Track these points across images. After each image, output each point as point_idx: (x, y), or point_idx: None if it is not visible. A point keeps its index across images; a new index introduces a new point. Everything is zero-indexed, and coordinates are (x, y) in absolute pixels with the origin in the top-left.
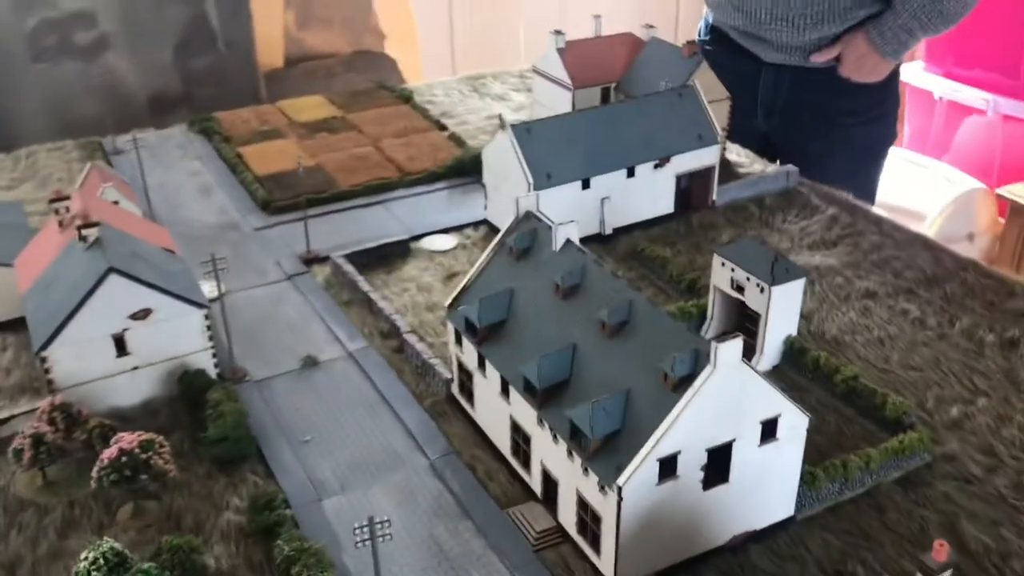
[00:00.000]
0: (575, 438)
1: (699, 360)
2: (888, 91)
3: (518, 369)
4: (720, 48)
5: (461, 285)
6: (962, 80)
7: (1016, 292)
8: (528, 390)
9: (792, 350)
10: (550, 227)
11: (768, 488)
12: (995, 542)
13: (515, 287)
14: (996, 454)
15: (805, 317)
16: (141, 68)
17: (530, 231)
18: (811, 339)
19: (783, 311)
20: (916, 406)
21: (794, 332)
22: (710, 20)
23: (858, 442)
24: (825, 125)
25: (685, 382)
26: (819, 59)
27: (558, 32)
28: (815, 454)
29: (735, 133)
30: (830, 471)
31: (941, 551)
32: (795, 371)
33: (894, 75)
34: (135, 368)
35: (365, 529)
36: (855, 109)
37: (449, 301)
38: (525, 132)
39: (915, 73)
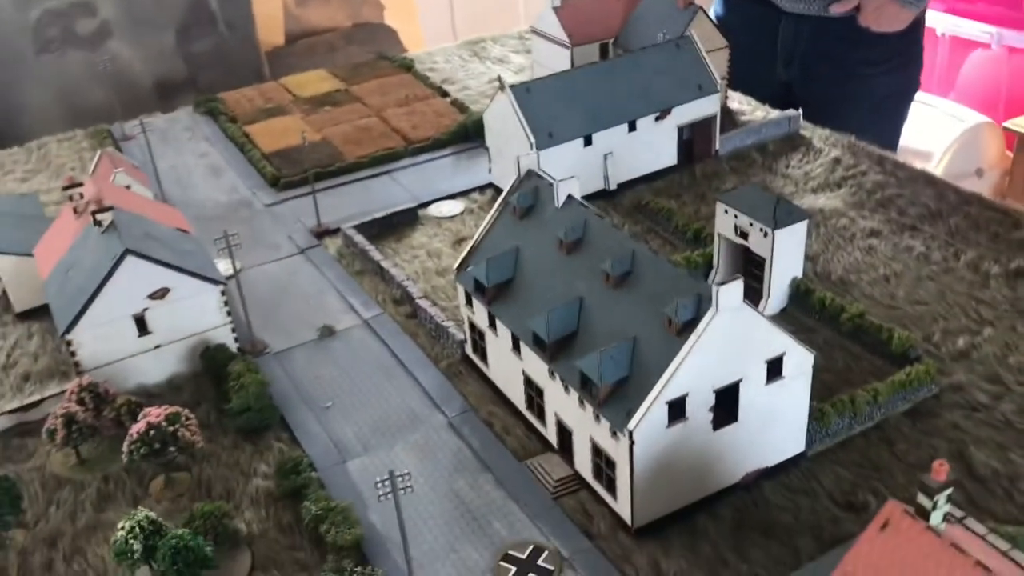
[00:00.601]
0: (585, 387)
1: (701, 304)
2: (910, 41)
3: (527, 324)
4: None
5: (468, 247)
6: (965, 15)
7: (1022, 223)
8: (538, 344)
9: (799, 292)
10: (551, 184)
11: (778, 426)
12: (1003, 466)
13: (520, 245)
14: (1003, 382)
15: (811, 259)
16: (144, 54)
17: (532, 189)
18: (817, 280)
19: (788, 254)
20: (923, 339)
21: (799, 274)
22: None
23: (866, 377)
24: (845, 75)
25: (689, 326)
26: (839, 9)
27: None
28: (824, 391)
29: (754, 83)
30: (838, 406)
31: (940, 471)
32: (802, 312)
33: (917, 24)
34: (157, 346)
35: (387, 483)
36: (875, 59)
37: (457, 263)
38: (525, 92)
39: None
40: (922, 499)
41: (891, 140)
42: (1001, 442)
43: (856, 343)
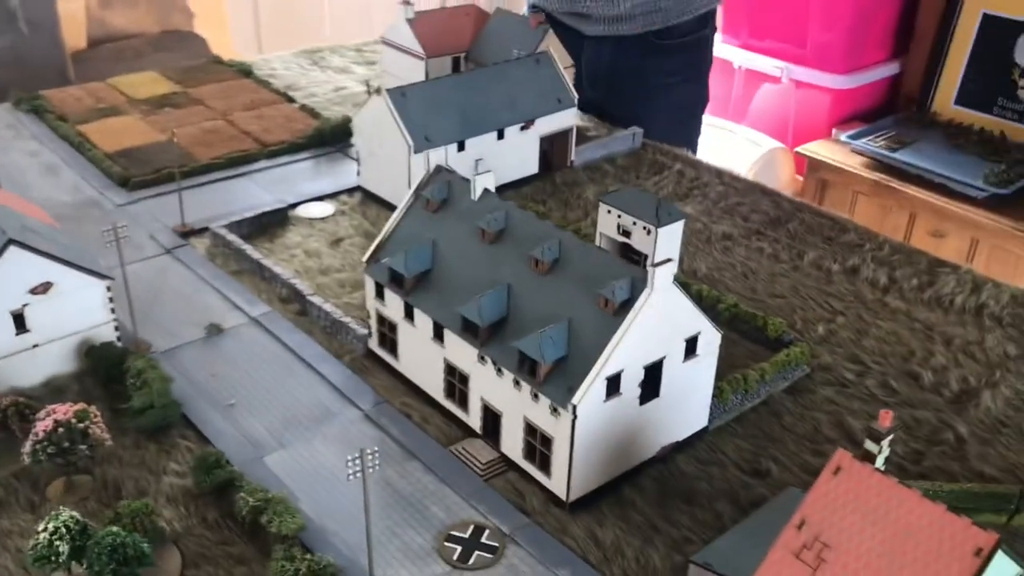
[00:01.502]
0: (523, 368)
1: (635, 285)
2: (699, 54)
3: (455, 311)
4: None
5: (377, 240)
6: (757, 50)
7: (848, 228)
8: (468, 329)
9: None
10: (464, 179)
11: (689, 401)
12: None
13: (436, 237)
14: (862, 361)
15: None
16: None
17: (445, 183)
18: (686, 277)
19: (667, 250)
20: (788, 327)
21: (675, 269)
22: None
23: (745, 361)
24: (645, 88)
25: (625, 306)
26: None
27: (407, 3)
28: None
29: None
30: (733, 384)
31: (886, 417)
32: None
33: (704, 41)
34: (35, 346)
35: (357, 461)
36: (671, 69)
37: (367, 256)
38: (401, 97)
39: (715, 44)
40: (869, 445)
41: (691, 148)
42: (872, 413)
43: (733, 330)
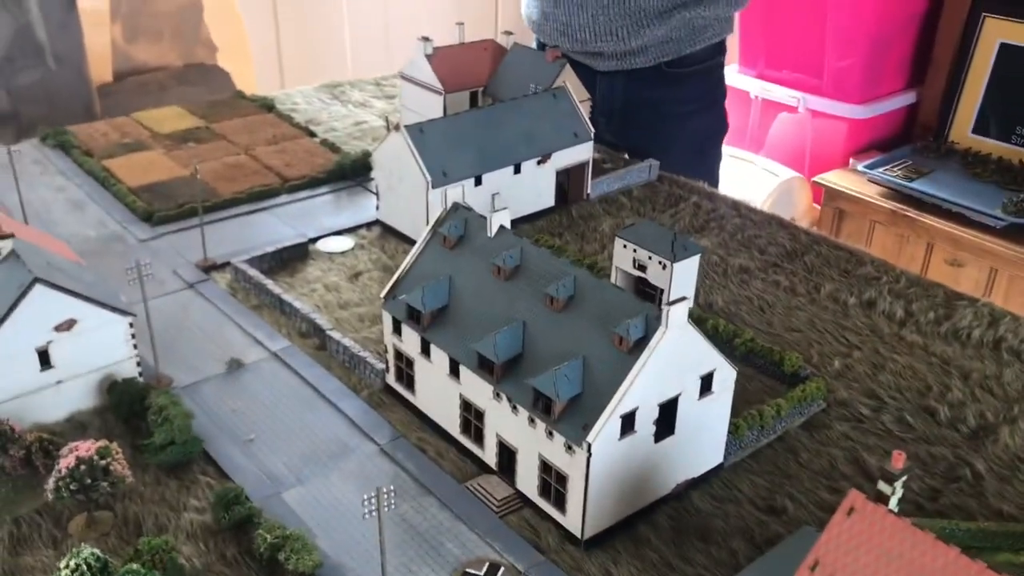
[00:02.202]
0: (537, 405)
1: (650, 323)
2: (713, 82)
3: (470, 347)
4: None
5: (395, 276)
6: (773, 80)
7: (865, 261)
8: (483, 366)
9: (692, 320)
10: (481, 216)
11: (704, 438)
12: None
13: (453, 274)
14: (878, 396)
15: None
16: None
17: (461, 220)
18: (702, 310)
19: (683, 285)
20: (804, 361)
21: (691, 304)
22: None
23: (761, 396)
24: (660, 119)
25: (640, 344)
26: None
27: (426, 39)
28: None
29: None
30: (749, 420)
31: (899, 459)
32: None
33: (718, 68)
34: (59, 381)
35: (373, 500)
36: (685, 99)
37: (385, 292)
38: (419, 133)
39: (731, 75)
40: (883, 486)
41: (712, 180)
42: (888, 449)
43: (748, 365)
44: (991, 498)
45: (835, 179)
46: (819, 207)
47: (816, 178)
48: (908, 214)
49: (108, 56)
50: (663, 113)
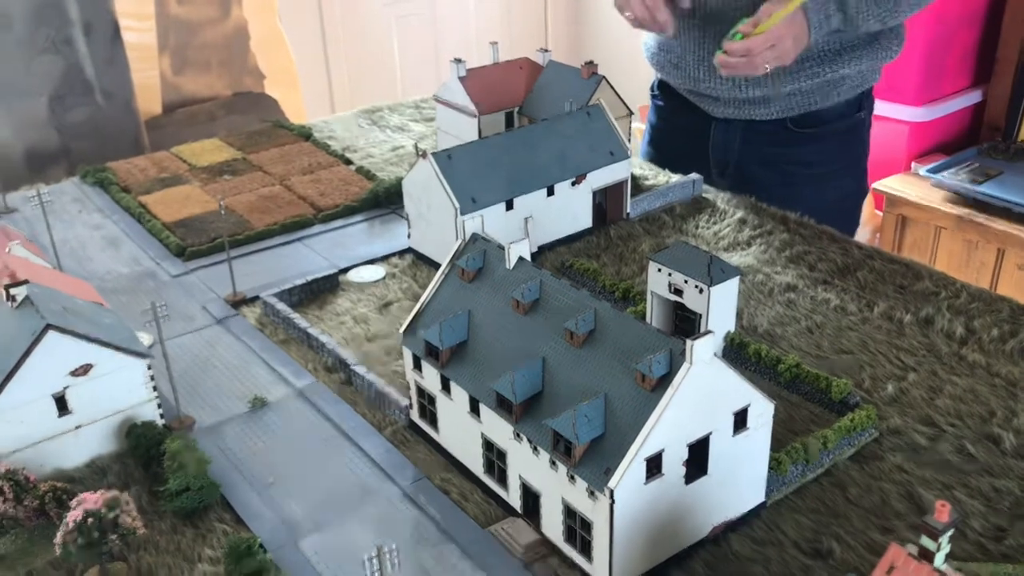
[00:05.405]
0: (558, 447)
1: (674, 359)
2: (852, 141)
3: (489, 386)
4: (671, 104)
5: (414, 311)
6: None
7: (922, 275)
8: (502, 405)
9: (733, 345)
10: (499, 247)
11: (741, 477)
12: (952, 504)
13: (472, 308)
14: (935, 423)
15: (737, 313)
16: (14, 123)
17: (480, 252)
18: (745, 333)
19: (722, 309)
20: (855, 386)
21: (733, 328)
22: (658, 74)
23: (808, 425)
24: (783, 182)
25: (663, 381)
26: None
27: (459, 60)
28: (772, 441)
29: None
30: (792, 454)
31: (943, 511)
32: (738, 364)
33: (859, 126)
34: (78, 427)
35: (375, 560)
36: (815, 160)
37: (403, 327)
38: (446, 159)
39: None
40: (926, 541)
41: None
42: (945, 482)
43: (794, 392)
44: None
45: (897, 185)
46: (881, 214)
47: (877, 184)
48: (976, 219)
49: (157, 89)
50: (786, 173)
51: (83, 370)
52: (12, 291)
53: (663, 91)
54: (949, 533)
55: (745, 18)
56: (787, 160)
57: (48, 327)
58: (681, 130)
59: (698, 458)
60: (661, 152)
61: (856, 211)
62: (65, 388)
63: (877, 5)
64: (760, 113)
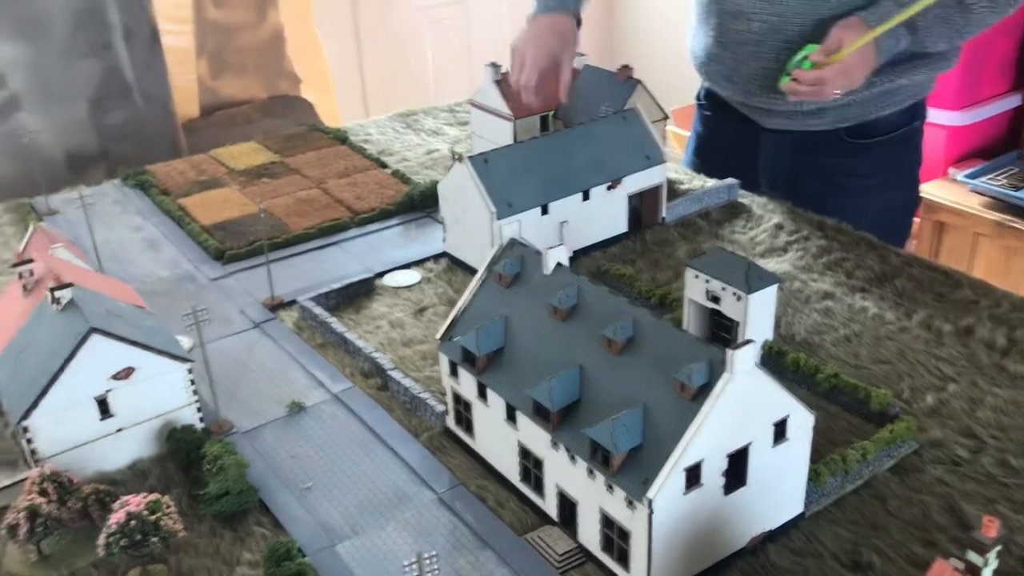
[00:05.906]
0: (596, 456)
1: (714, 368)
2: (905, 151)
3: (526, 393)
4: (718, 114)
5: (451, 317)
6: None
7: (962, 283)
8: (540, 413)
9: (771, 354)
10: (537, 252)
11: (780, 488)
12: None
13: (509, 314)
14: (977, 436)
15: (775, 322)
16: (55, 126)
17: (517, 257)
18: (782, 342)
19: (760, 317)
20: (894, 397)
21: (771, 336)
22: (707, 84)
23: (847, 436)
24: (836, 194)
25: (703, 391)
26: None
27: (495, 65)
28: (811, 452)
29: None
30: (831, 465)
31: (991, 527)
32: (775, 374)
33: (913, 135)
34: (119, 430)
35: (415, 566)
36: (868, 171)
37: (440, 333)
38: (483, 163)
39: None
40: (973, 557)
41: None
42: (989, 496)
43: (832, 403)
44: None
45: (934, 190)
46: (918, 220)
47: None
48: (1016, 225)
49: (194, 92)
50: (838, 185)
51: (125, 373)
52: (57, 294)
53: (710, 100)
54: (997, 549)
55: (813, 44)
56: (840, 171)
57: (92, 330)
58: (729, 140)
59: (737, 468)
60: (707, 162)
61: (908, 221)
62: (107, 391)
63: (947, 26)
64: (813, 124)
